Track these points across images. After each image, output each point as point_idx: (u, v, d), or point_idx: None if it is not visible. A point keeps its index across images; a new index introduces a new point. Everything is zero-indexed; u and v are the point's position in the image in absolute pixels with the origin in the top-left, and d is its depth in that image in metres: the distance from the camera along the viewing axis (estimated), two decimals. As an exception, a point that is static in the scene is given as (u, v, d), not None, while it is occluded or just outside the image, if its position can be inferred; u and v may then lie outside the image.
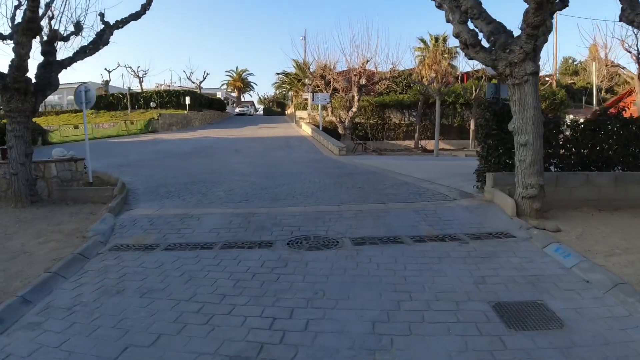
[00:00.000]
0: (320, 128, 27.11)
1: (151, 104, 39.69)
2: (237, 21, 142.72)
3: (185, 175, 12.19)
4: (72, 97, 51.89)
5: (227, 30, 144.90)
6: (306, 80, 32.88)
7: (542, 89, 29.73)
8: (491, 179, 7.52)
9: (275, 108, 76.34)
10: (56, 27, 9.91)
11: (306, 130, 29.89)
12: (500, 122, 7.58)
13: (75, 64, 9.98)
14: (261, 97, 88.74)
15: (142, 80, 46.05)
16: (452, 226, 6.16)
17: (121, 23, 10.44)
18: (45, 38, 9.54)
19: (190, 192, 9.49)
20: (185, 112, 40.55)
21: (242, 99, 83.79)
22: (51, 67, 9.65)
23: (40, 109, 46.53)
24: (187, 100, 40.98)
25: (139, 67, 48.79)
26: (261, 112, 75.87)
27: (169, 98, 42.71)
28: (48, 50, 9.58)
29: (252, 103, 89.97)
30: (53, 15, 10.23)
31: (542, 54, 7.33)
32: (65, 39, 10.47)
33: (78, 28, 10.50)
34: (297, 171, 12.56)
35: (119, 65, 46.01)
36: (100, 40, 10.24)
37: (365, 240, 5.63)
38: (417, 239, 5.65)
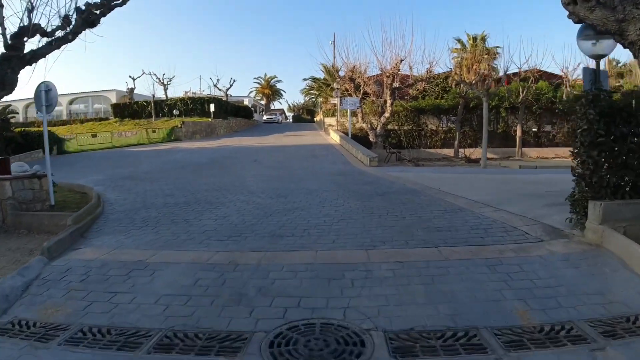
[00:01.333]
0: (350, 135, 24.66)
1: (174, 111, 38.18)
2: (264, 25, 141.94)
3: (184, 192, 10.04)
4: (99, 105, 51.15)
5: (254, 36, 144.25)
6: (334, 84, 30.64)
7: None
8: (599, 211, 4.94)
9: (305, 115, 74.65)
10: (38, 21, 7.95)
11: (334, 138, 27.52)
12: (611, 123, 5.03)
13: (45, 60, 8.00)
14: (290, 105, 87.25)
15: (167, 88, 44.73)
16: (560, 301, 3.63)
17: (95, 8, 8.33)
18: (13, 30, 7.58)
19: (173, 219, 7.25)
20: (210, 119, 38.89)
21: (272, 107, 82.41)
22: (9, 63, 7.64)
23: (65, 118, 45.90)
24: (212, 107, 39.35)
25: (164, 74, 47.10)
26: (291, 120, 74.17)
27: (194, 105, 41.21)
28: (14, 44, 7.62)
29: (282, 111, 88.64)
30: (32, 6, 8.25)
31: None
32: (49, 34, 8.44)
33: (67, 22, 8.46)
34: (318, 188, 10.19)
35: (143, 73, 44.78)
36: (70, 31, 8.17)
37: (416, 339, 3.15)
38: (510, 338, 3.10)
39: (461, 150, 25.82)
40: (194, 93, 53.88)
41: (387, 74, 22.29)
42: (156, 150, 24.15)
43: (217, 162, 17.68)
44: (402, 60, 21.49)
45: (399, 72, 22.10)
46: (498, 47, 33.80)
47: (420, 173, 13.44)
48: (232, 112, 46.24)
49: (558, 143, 28.12)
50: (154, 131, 34.82)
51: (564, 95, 26.22)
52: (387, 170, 14.72)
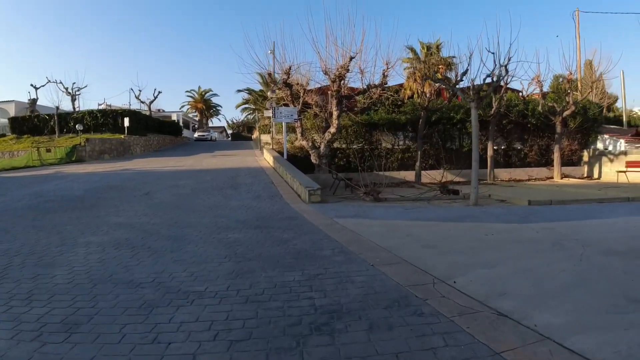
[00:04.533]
0: (285, 156, 19.39)
1: (77, 126, 31.38)
2: (197, 31, 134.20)
3: None
4: (-3, 119, 42.81)
5: (185, 45, 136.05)
6: (268, 93, 25.47)
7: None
8: None
9: (246, 133, 68.92)
10: None
11: (268, 159, 22.16)
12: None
13: None
14: (229, 121, 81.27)
15: (76, 99, 37.64)
16: None
17: None
18: None
19: None
20: (123, 136, 32.43)
21: (211, 124, 76.19)
22: None
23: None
24: (126, 122, 32.93)
25: (74, 83, 40.04)
26: (231, 138, 68.15)
27: (105, 119, 34.44)
28: None
29: (222, 128, 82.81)
30: None
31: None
32: None
33: None
34: (195, 275, 4.84)
35: (48, 81, 37.48)
36: None
37: None
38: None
39: (424, 172, 21.13)
40: (109, 105, 46.81)
41: (333, 77, 17.22)
42: (33, 176, 17.87)
43: (90, 197, 11.93)
44: (351, 59, 16.48)
45: (347, 74, 17.06)
46: (453, 57, 29.91)
47: (391, 223, 8.21)
48: (154, 127, 39.81)
49: (530, 162, 24.25)
50: (48, 150, 28.16)
51: (539, 107, 22.31)
52: (336, 212, 9.48)
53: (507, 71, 11.66)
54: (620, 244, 5.94)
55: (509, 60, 11.42)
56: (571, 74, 22.22)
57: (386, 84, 18.40)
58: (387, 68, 17.50)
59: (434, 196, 12.99)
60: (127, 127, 32.86)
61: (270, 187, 13.88)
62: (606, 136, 25.26)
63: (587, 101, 25.31)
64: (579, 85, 28.70)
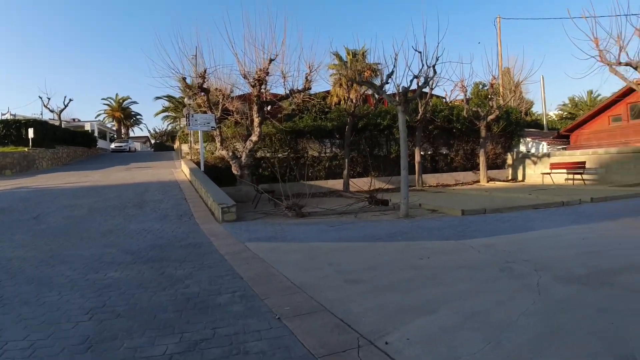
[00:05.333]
0: (202, 168, 17.73)
1: (-34, 139, 27.67)
2: (115, 33, 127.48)
3: None
4: None
5: (101, 50, 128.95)
6: (185, 99, 23.61)
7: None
8: None
9: (170, 143, 65.32)
10: None
11: (185, 171, 20.33)
12: None
13: None
14: (151, 131, 77.02)
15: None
16: None
17: None
18: None
19: None
20: (27, 149, 29.01)
21: (132, 134, 71.82)
22: None
23: None
24: (31, 133, 29.50)
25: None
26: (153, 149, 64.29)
27: (7, 131, 30.72)
28: None
29: (146, 139, 78.34)
30: None
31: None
32: None
33: None
34: (37, 347, 3.42)
35: None
36: None
37: None
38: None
39: (353, 181, 20.24)
40: (13, 115, 42.36)
41: (252, 82, 15.85)
42: None
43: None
44: (271, 61, 15.18)
45: (268, 78, 15.75)
46: (379, 63, 29.61)
47: (312, 247, 6.97)
48: (64, 139, 36.24)
49: (457, 167, 24.18)
50: None
51: (464, 112, 22.23)
52: (251, 234, 8.14)
53: (435, 72, 10.90)
54: (577, 265, 5.09)
55: (437, 60, 10.66)
56: (494, 78, 22.37)
57: (309, 88, 17.28)
58: (310, 72, 16.39)
59: (362, 208, 11.95)
60: (32, 138, 29.49)
61: (181, 205, 12.27)
62: (528, 139, 25.83)
63: (509, 106, 25.75)
64: (501, 90, 29.32)
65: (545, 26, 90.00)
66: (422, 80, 11.28)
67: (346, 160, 20.13)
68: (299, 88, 17.09)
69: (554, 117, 42.13)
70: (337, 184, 20.61)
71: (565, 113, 42.22)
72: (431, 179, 22.71)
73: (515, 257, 5.57)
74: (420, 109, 20.59)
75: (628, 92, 21.32)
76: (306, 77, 16.60)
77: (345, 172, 20.04)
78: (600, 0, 34.62)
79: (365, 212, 11.52)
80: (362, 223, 9.53)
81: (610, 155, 20.07)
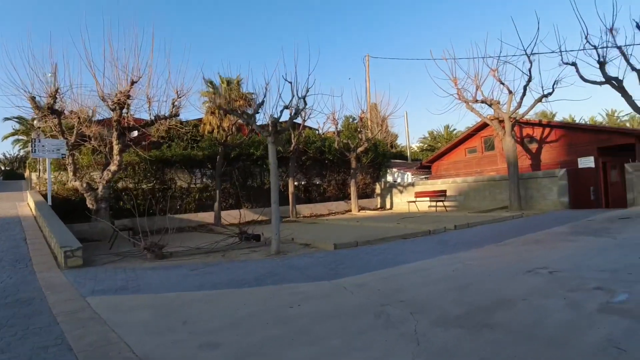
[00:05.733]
0: (49, 202, 15.46)
1: None
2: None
3: None
4: None
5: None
6: (34, 122, 20.83)
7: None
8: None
9: (21, 170, 57.58)
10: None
11: (31, 205, 17.63)
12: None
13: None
14: (1, 158, 67.57)
15: None
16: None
17: None
18: None
19: None
20: None
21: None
22: None
23: None
24: None
25: None
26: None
27: None
28: None
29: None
30: None
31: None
32: None
33: None
34: None
35: None
36: None
37: None
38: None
39: (225, 213, 19.26)
40: None
41: (112, 105, 14.33)
42: None
43: None
44: (133, 83, 13.86)
45: (131, 101, 14.35)
46: (253, 92, 29.31)
47: (166, 300, 5.99)
48: None
49: (330, 197, 24.48)
50: None
51: (335, 144, 22.69)
52: (97, 285, 6.90)
53: (305, 103, 10.67)
54: (454, 303, 4.92)
55: (307, 91, 10.47)
56: (363, 112, 23.30)
57: (177, 115, 16.17)
58: (178, 97, 15.35)
59: (231, 245, 11.12)
60: None
61: (19, 247, 10.32)
62: (394, 169, 27.19)
63: (376, 139, 26.99)
64: (369, 124, 30.75)
65: (410, 65, 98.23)
66: (293, 111, 10.99)
67: (217, 191, 19.17)
68: (166, 114, 15.90)
69: (416, 149, 45.47)
70: (208, 216, 19.48)
71: (426, 145, 45.87)
72: (305, 209, 22.62)
73: (389, 299, 5.27)
74: (293, 140, 20.52)
75: (482, 126, 23.58)
76: (173, 103, 15.52)
77: (216, 204, 19.03)
78: (460, 42, 38.56)
79: (235, 249, 10.72)
80: (228, 264, 8.72)
81: (468, 184, 21.79)
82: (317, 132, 26.62)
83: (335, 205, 24.09)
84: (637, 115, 16.13)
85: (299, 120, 19.54)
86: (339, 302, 5.31)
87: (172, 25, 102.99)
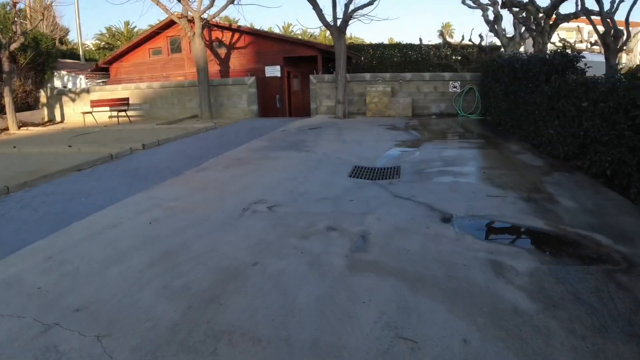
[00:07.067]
0: None
1: None
2: None
3: None
4: None
5: None
6: None
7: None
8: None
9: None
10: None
11: None
12: None
13: None
14: None
15: None
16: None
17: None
18: None
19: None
20: None
21: None
22: None
23: None
24: None
25: None
26: None
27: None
28: None
29: None
30: None
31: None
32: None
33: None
34: None
35: None
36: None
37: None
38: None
39: None
40: None
41: None
42: None
43: None
44: None
45: None
46: None
47: None
48: None
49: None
50: None
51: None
52: None
53: None
54: (160, 296, 3.19)
55: None
56: (17, -2, 17.44)
57: None
58: None
59: None
60: None
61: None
62: (64, 72, 22.32)
63: (39, 32, 21.23)
64: (29, 13, 23.90)
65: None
66: None
67: None
68: None
69: (92, 46, 39.05)
70: None
71: (103, 43, 39.78)
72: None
73: (57, 311, 3.21)
74: None
75: (169, 24, 20.68)
76: None
77: None
78: None
79: None
80: None
81: (154, 90, 19.51)
82: None
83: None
84: (328, 32, 16.99)
85: None
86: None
87: None
